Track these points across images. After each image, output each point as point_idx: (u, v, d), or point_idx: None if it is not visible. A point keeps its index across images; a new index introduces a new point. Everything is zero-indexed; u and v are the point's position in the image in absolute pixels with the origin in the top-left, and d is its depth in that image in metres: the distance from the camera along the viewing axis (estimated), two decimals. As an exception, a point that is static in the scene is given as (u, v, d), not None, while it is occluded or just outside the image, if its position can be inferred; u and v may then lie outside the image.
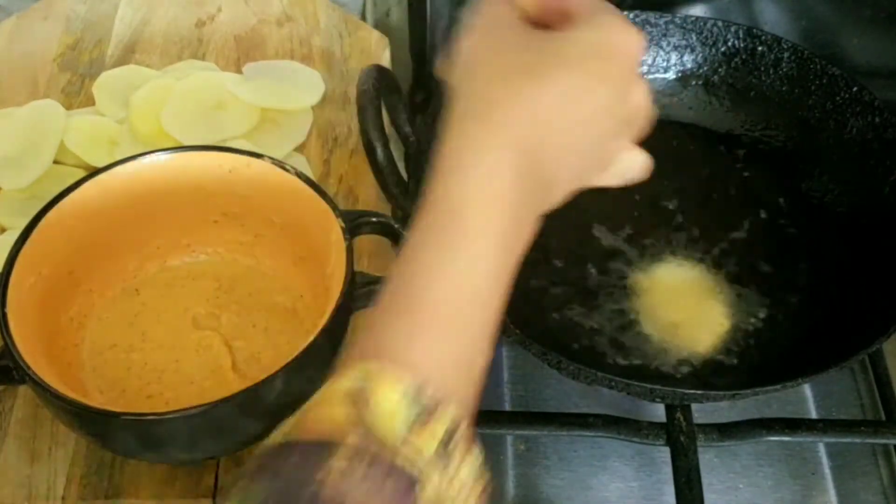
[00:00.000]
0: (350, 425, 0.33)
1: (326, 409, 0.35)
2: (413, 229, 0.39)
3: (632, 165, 0.46)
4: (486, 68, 0.41)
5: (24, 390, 0.61)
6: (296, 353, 0.51)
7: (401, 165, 0.65)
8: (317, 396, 0.36)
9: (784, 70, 0.76)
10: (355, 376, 0.35)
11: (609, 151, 0.44)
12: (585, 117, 0.41)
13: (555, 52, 0.41)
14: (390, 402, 0.34)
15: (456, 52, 0.43)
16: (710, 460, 0.65)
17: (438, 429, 0.35)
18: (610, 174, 0.45)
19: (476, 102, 0.40)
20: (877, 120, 0.71)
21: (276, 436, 0.35)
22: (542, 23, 0.43)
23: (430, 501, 0.33)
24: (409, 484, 0.33)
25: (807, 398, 0.70)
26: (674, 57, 0.79)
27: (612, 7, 0.43)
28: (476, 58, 0.42)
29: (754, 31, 0.77)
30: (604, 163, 0.44)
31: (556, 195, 0.42)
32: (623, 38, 0.42)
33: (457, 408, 0.36)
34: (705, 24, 0.78)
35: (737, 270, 0.69)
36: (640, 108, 0.44)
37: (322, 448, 0.33)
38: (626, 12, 0.78)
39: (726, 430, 0.62)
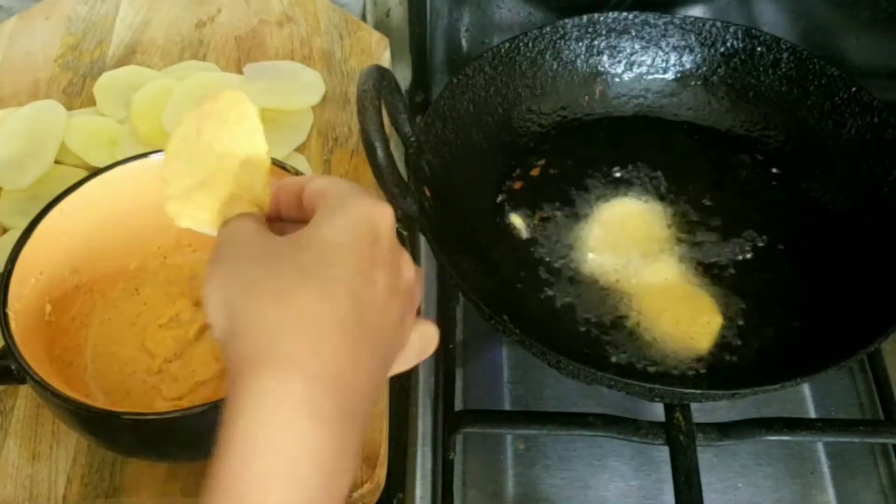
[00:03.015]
0: None
1: None
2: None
3: (428, 341, 0.44)
4: (241, 301, 0.37)
5: (25, 390, 0.61)
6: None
7: (401, 165, 0.65)
8: None
9: (783, 70, 0.76)
10: None
11: (403, 338, 0.42)
12: (372, 318, 0.38)
13: (307, 261, 0.38)
14: None
15: (208, 280, 0.39)
16: (710, 460, 0.65)
17: None
18: (406, 357, 0.43)
19: (255, 355, 0.36)
20: (875, 120, 0.71)
21: None
22: (295, 219, 0.42)
23: None
24: None
25: (806, 398, 0.70)
26: (673, 57, 0.79)
27: (346, 183, 0.41)
28: (237, 301, 0.38)
29: (753, 31, 0.77)
30: (399, 349, 0.42)
31: (369, 404, 0.39)
32: (379, 214, 0.40)
33: None
34: (704, 24, 0.78)
35: (736, 270, 0.69)
36: (410, 279, 0.42)
37: None
38: (625, 13, 0.78)
39: (725, 430, 0.62)
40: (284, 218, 0.44)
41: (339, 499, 0.37)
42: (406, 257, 0.42)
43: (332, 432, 0.36)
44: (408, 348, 0.43)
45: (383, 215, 0.40)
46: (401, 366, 0.43)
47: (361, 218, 0.39)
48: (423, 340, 0.43)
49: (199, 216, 0.44)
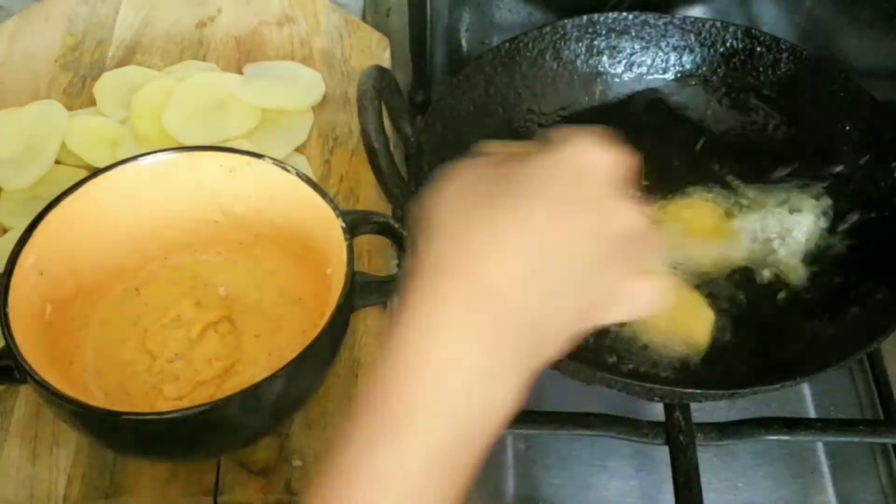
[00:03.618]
0: None
1: None
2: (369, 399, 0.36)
3: (642, 297, 0.41)
4: (454, 219, 0.39)
5: (25, 390, 0.61)
6: (296, 354, 0.51)
7: (401, 165, 0.65)
8: None
9: (782, 70, 0.76)
10: None
11: (607, 283, 0.40)
12: (562, 250, 0.38)
13: (513, 184, 0.38)
14: None
15: (425, 206, 0.40)
16: (710, 459, 0.65)
17: None
18: (618, 309, 0.41)
19: (444, 259, 0.38)
20: (876, 120, 0.71)
21: None
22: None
23: None
24: None
25: (805, 397, 0.70)
26: (673, 57, 0.79)
27: (591, 130, 0.41)
28: (444, 210, 0.40)
29: (753, 31, 0.77)
30: (606, 296, 0.40)
31: (554, 343, 0.39)
32: (592, 156, 0.39)
33: None
34: (704, 24, 0.78)
35: (735, 270, 0.69)
36: (631, 230, 0.40)
37: None
38: (625, 13, 0.78)
39: (725, 430, 0.62)
40: None
41: (490, 413, 0.36)
42: (627, 206, 0.40)
43: (484, 343, 0.36)
44: (633, 298, 0.41)
45: (597, 158, 0.40)
46: (621, 314, 0.42)
47: (569, 157, 0.39)
48: (651, 293, 0.41)
49: None
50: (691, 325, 0.65)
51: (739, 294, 0.67)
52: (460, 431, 0.36)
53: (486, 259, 0.37)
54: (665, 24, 0.78)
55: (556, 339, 0.39)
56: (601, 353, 0.64)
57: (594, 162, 0.39)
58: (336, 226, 0.57)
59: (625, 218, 0.40)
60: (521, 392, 0.37)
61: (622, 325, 0.65)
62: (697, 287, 0.67)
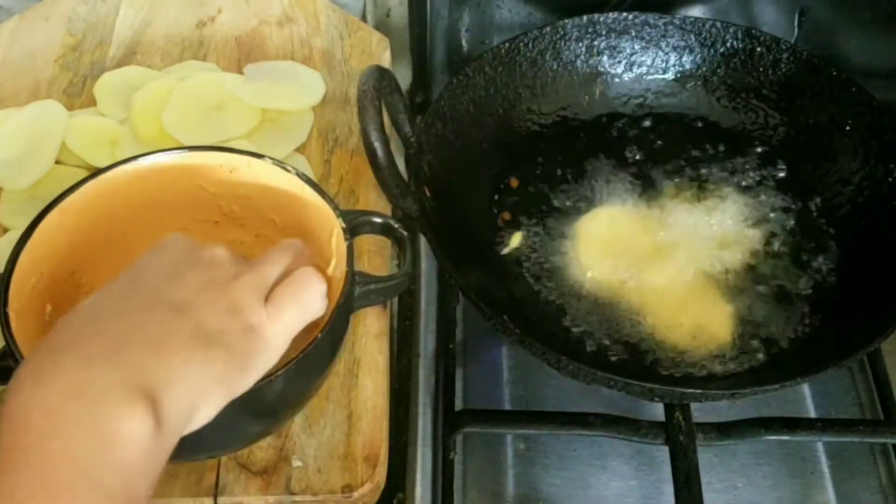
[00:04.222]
0: None
1: None
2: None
3: (301, 282, 0.49)
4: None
5: (25, 390, 0.61)
6: (296, 354, 0.51)
7: (401, 165, 0.65)
8: None
9: (783, 70, 0.77)
10: None
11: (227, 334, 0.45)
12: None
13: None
14: None
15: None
16: (710, 459, 0.65)
17: None
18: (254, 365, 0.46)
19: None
20: (875, 120, 0.71)
21: None
22: None
23: None
24: None
25: (805, 397, 0.70)
26: (673, 58, 0.79)
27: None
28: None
29: (753, 31, 0.77)
30: (229, 347, 0.44)
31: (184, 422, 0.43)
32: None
33: None
34: (704, 24, 0.78)
35: (736, 271, 0.69)
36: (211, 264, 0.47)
37: None
38: (625, 13, 0.78)
39: (725, 430, 0.62)
40: None
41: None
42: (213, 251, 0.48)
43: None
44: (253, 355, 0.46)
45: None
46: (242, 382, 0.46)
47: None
48: (294, 284, 0.48)
49: None
50: (701, 330, 0.65)
51: (741, 293, 0.68)
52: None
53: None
54: (665, 24, 0.78)
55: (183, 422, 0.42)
56: (601, 353, 0.64)
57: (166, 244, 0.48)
58: (336, 226, 0.57)
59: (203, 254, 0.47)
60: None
61: (623, 324, 0.66)
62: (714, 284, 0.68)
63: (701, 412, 0.63)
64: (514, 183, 0.74)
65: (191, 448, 0.54)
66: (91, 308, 0.44)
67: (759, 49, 0.77)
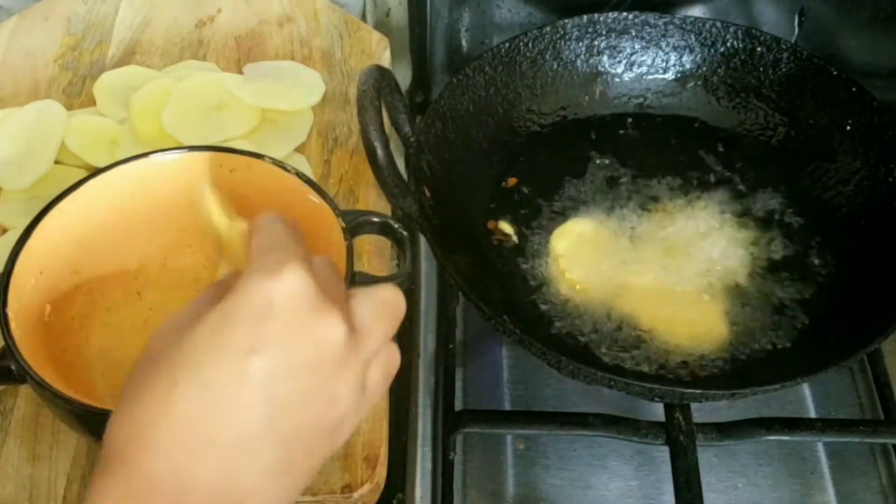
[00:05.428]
0: None
1: None
2: None
3: (390, 366, 0.40)
4: (130, 384, 0.36)
5: (25, 390, 0.61)
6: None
7: (401, 165, 0.65)
8: None
9: (783, 70, 0.76)
10: None
11: (338, 405, 0.38)
12: (232, 411, 0.35)
13: (175, 358, 0.36)
14: None
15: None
16: (710, 460, 0.65)
17: None
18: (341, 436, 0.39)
19: (110, 440, 0.35)
20: (875, 120, 0.71)
21: None
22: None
23: None
24: None
25: (805, 398, 0.70)
26: (673, 57, 0.79)
27: (273, 251, 0.37)
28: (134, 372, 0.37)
29: (753, 31, 0.77)
30: (327, 441, 0.38)
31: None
32: (270, 289, 0.35)
33: None
34: (704, 24, 0.78)
35: (736, 271, 0.69)
36: (336, 342, 0.36)
37: None
38: (625, 13, 0.78)
39: (725, 430, 0.62)
40: None
41: None
42: (324, 324, 0.36)
43: None
44: (370, 390, 0.39)
45: (276, 289, 0.35)
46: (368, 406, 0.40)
47: (244, 298, 0.36)
48: (386, 367, 0.40)
49: None
50: (701, 330, 0.65)
51: (740, 293, 0.68)
52: None
53: (145, 441, 0.34)
54: (665, 24, 0.78)
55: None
56: (601, 353, 0.64)
57: (274, 294, 0.35)
58: (336, 226, 0.57)
59: (331, 331, 0.36)
60: None
61: (623, 324, 0.65)
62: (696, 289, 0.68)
63: (701, 412, 0.63)
64: (514, 182, 0.74)
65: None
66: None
67: (759, 49, 0.77)
